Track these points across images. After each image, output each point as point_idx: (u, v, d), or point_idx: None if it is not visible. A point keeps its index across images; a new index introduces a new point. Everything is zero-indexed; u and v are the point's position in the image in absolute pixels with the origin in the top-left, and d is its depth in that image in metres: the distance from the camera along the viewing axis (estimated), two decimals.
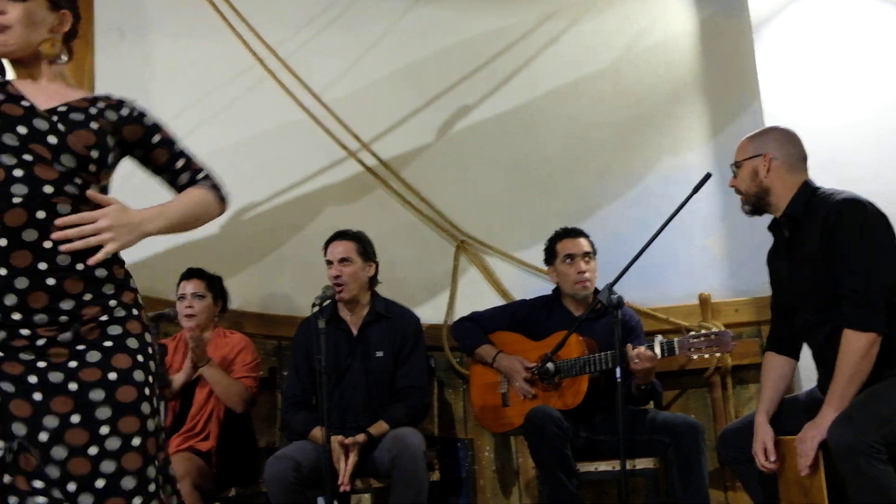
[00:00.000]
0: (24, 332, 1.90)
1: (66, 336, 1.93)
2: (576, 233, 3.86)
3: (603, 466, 3.59)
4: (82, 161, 1.97)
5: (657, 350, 3.47)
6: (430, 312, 4.29)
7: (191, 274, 3.90)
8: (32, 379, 1.89)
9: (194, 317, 3.81)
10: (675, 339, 3.48)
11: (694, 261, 4.25)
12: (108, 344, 1.96)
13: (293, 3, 4.63)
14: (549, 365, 3.65)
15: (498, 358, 3.81)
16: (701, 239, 4.27)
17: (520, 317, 3.93)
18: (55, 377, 1.90)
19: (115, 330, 1.98)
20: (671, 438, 3.54)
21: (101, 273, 1.98)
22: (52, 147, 1.95)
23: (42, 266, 1.90)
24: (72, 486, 1.86)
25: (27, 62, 2.09)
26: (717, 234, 4.27)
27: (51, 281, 1.91)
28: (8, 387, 1.87)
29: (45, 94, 2.05)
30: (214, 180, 2.23)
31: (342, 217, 4.29)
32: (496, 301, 4.30)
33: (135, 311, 2.04)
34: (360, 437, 3.54)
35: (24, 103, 2.00)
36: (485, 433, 4.22)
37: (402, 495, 3.41)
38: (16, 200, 1.88)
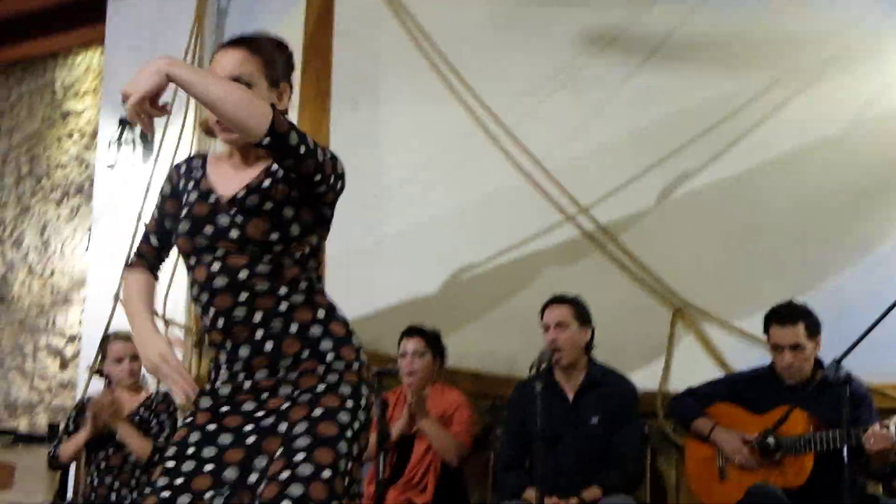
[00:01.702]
0: (248, 385, 2.05)
1: (287, 390, 2.04)
2: (787, 319, 3.62)
3: None
4: (265, 245, 2.05)
5: (893, 428, 3.25)
6: (645, 379, 4.22)
7: (412, 332, 4.03)
8: (248, 427, 2.01)
9: (415, 374, 3.93)
10: None
11: None
12: (321, 388, 2.02)
13: (518, 71, 4.76)
14: (770, 440, 3.50)
15: (715, 431, 3.70)
16: None
17: (737, 389, 3.81)
18: (268, 422, 2.00)
19: (332, 378, 2.04)
20: None
21: (316, 331, 2.07)
22: (236, 240, 2.04)
23: (258, 335, 2.04)
24: None
25: (244, 145, 2.14)
26: None
27: (268, 346, 2.04)
28: (225, 439, 2.00)
29: (239, 174, 2.14)
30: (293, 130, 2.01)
31: (559, 281, 4.32)
32: (712, 369, 4.19)
33: (354, 366, 2.07)
34: (574, 501, 3.51)
35: (210, 199, 2.12)
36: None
37: None
38: (218, 288, 2.04)
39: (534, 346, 3.75)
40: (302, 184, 2.06)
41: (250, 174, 2.13)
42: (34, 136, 6.84)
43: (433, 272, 4.75)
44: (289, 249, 2.07)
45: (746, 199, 4.38)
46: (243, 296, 2.04)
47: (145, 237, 2.30)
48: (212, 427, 2.02)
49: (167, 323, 5.02)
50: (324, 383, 2.03)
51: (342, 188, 2.15)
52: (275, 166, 2.09)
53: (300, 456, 1.91)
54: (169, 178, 2.28)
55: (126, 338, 4.25)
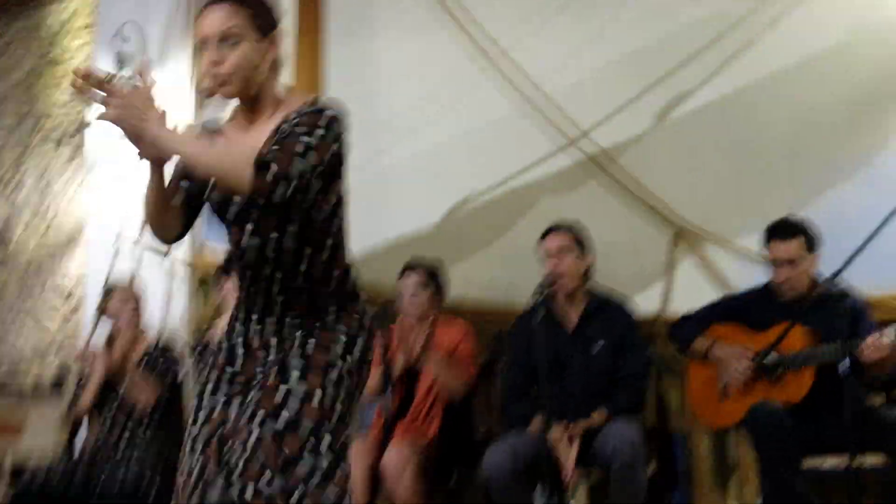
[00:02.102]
0: (256, 342, 2.17)
1: (297, 332, 2.14)
2: (786, 233, 3.61)
3: (831, 462, 3.44)
4: (291, 204, 2.03)
5: (890, 337, 3.26)
6: (646, 303, 4.25)
7: (411, 267, 4.03)
8: (257, 374, 2.13)
9: (415, 308, 3.94)
10: None
11: None
12: (318, 325, 2.14)
13: None
14: (771, 357, 3.53)
15: (714, 347, 3.72)
16: None
17: (735, 309, 3.80)
18: (273, 356, 2.14)
19: (330, 318, 2.16)
20: None
21: (322, 292, 2.16)
22: (263, 205, 2.04)
23: (275, 290, 2.14)
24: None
25: (246, 99, 2.15)
26: None
27: (280, 299, 2.15)
28: (234, 388, 2.15)
29: (251, 137, 2.12)
30: (270, 164, 1.95)
31: (559, 208, 4.33)
32: (714, 290, 4.21)
33: (352, 314, 2.19)
34: (582, 426, 3.56)
35: None
36: (700, 426, 4.13)
37: (622, 487, 3.42)
38: (250, 248, 2.12)
39: (535, 274, 3.77)
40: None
41: (262, 136, 2.10)
42: (31, 74, 6.79)
43: (434, 203, 4.74)
44: (314, 205, 2.09)
45: (744, 116, 4.36)
46: (271, 255, 2.10)
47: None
48: (226, 375, 2.15)
49: (170, 261, 5.05)
50: (324, 327, 2.14)
51: (346, 147, 2.12)
52: (284, 125, 2.07)
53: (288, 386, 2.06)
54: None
55: (128, 283, 4.32)
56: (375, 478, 3.78)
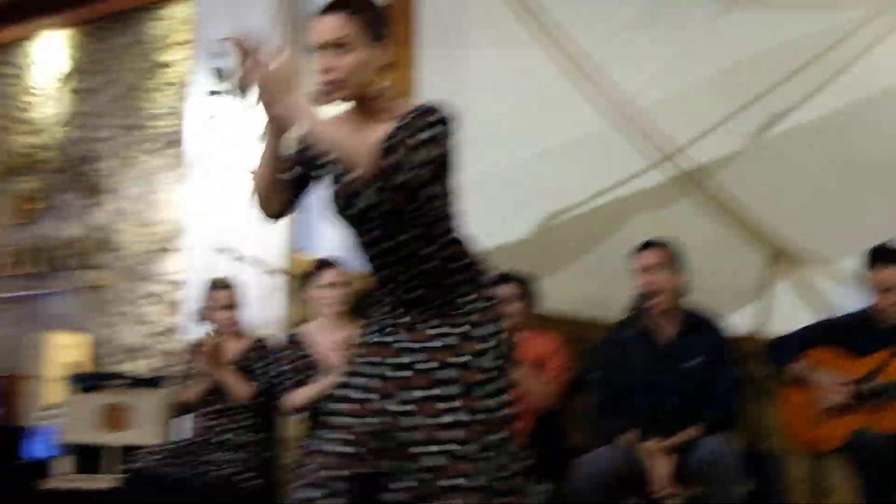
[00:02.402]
0: (400, 324, 2.26)
1: (435, 322, 2.24)
2: (891, 257, 3.58)
3: None
4: (413, 199, 2.15)
5: None
6: (741, 322, 4.18)
7: (505, 278, 4.05)
8: (405, 360, 2.22)
9: (509, 319, 3.95)
10: None
11: None
12: (465, 330, 2.22)
13: (604, 12, 4.69)
14: (872, 384, 3.46)
15: (812, 372, 3.67)
16: None
17: (835, 333, 3.75)
18: (421, 358, 2.21)
19: (473, 318, 2.24)
20: None
21: (451, 279, 2.25)
22: (387, 207, 2.18)
23: (411, 284, 2.24)
24: (420, 448, 2.14)
25: (357, 102, 2.25)
26: None
27: (416, 294, 2.25)
28: (385, 370, 2.23)
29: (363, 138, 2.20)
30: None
31: (651, 224, 4.30)
32: (811, 312, 4.12)
33: (486, 304, 2.29)
34: (676, 439, 3.53)
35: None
36: (796, 449, 4.05)
37: None
38: (379, 245, 2.23)
39: (626, 290, 3.76)
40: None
41: (376, 133, 2.18)
42: (133, 87, 6.99)
43: (523, 217, 4.75)
44: (433, 198, 2.19)
45: (847, 135, 4.27)
46: (403, 251, 2.20)
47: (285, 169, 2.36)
48: (376, 359, 2.25)
49: (266, 269, 5.15)
50: (461, 329, 2.22)
51: (450, 133, 2.22)
52: (391, 137, 2.15)
53: (456, 403, 2.15)
54: (299, 141, 2.36)
55: (226, 286, 4.41)
56: None
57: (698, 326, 3.78)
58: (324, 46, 2.15)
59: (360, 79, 2.18)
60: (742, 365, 4.00)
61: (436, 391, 2.15)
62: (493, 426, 2.15)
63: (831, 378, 3.61)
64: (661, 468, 3.48)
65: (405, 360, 2.21)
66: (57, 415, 5.14)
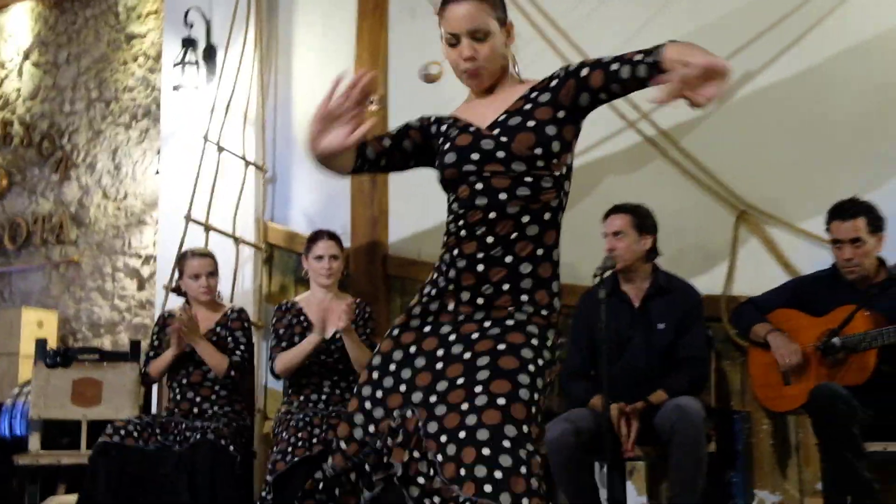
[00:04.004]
0: (451, 307, 2.23)
1: (480, 315, 2.20)
2: (848, 213, 3.60)
3: (893, 447, 3.43)
4: (530, 161, 2.19)
5: None
6: (709, 283, 4.22)
7: None
8: (440, 352, 2.18)
9: None
10: None
11: None
12: (509, 323, 2.17)
13: None
14: (835, 340, 3.52)
15: (770, 335, 3.73)
16: None
17: (800, 293, 3.81)
18: (457, 349, 2.16)
19: (520, 317, 2.18)
20: None
21: (525, 269, 2.20)
22: (502, 160, 2.20)
23: (480, 255, 2.19)
24: (443, 438, 2.05)
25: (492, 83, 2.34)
26: None
27: (480, 267, 2.19)
28: (419, 362, 2.19)
29: (492, 108, 2.29)
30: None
31: (621, 188, 4.33)
32: (777, 272, 4.17)
33: (543, 312, 2.20)
34: (640, 404, 3.60)
35: (471, 130, 2.27)
36: (761, 407, 4.12)
37: (682, 464, 3.45)
38: (478, 204, 2.20)
39: (599, 254, 3.82)
40: (591, 102, 2.25)
41: (506, 104, 2.27)
42: (101, 60, 6.95)
43: None
44: (549, 167, 2.21)
45: (811, 96, 4.28)
46: (492, 215, 2.19)
47: (380, 136, 2.40)
48: (413, 349, 2.21)
49: (237, 240, 5.18)
50: (512, 319, 2.17)
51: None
52: (534, 93, 2.25)
53: (479, 388, 2.05)
54: (420, 118, 2.44)
55: (202, 254, 4.40)
56: None
57: (668, 290, 3.84)
58: (460, 35, 2.25)
59: (497, 63, 2.29)
60: (710, 328, 4.07)
61: (461, 379, 2.10)
62: (515, 416, 2.03)
63: (786, 339, 3.67)
64: (628, 430, 3.55)
65: (440, 353, 2.18)
66: (27, 392, 5.18)
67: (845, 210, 3.62)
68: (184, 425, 4.04)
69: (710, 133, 4.41)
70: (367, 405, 2.18)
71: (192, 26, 5.56)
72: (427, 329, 2.22)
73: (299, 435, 3.81)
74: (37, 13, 7.32)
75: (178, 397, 4.24)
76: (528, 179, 2.18)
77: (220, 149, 5.24)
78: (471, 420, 2.00)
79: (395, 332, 2.26)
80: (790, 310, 3.78)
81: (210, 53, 5.56)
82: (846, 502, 3.43)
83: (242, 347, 4.25)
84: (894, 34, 4.18)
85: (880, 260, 3.65)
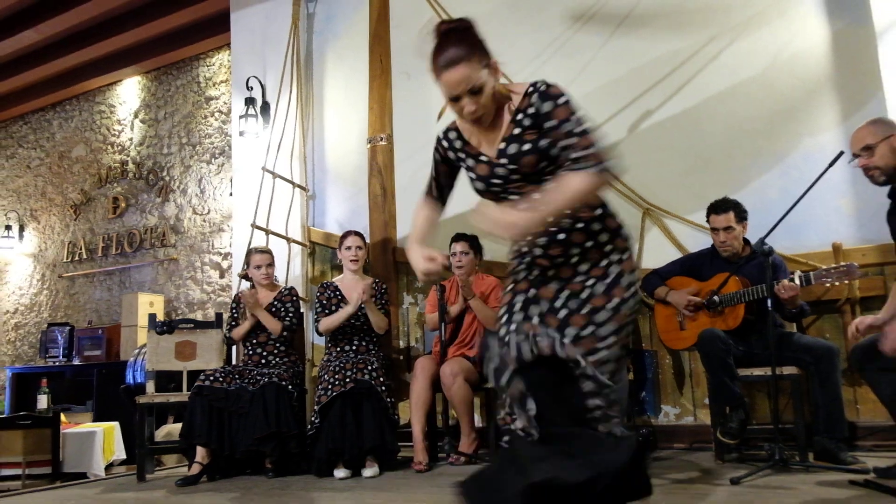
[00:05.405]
0: (551, 272, 1.97)
1: (584, 267, 1.94)
2: (721, 208, 3.59)
3: (757, 372, 3.43)
4: (541, 171, 1.92)
5: (797, 281, 3.25)
6: None
7: (458, 238, 4.06)
8: (560, 295, 1.94)
9: (462, 267, 3.98)
10: (811, 272, 3.26)
11: (829, 218, 3.92)
12: (599, 273, 1.93)
13: (524, 42, 4.67)
14: (716, 298, 3.53)
15: (669, 294, 3.72)
16: (835, 200, 3.92)
17: (689, 265, 3.81)
18: (562, 295, 1.94)
19: (605, 262, 1.93)
20: (813, 358, 3.33)
21: (596, 227, 1.94)
22: (519, 179, 1.93)
23: (553, 230, 1.94)
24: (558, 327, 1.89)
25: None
26: (847, 197, 3.90)
27: (561, 236, 1.94)
28: (543, 305, 1.95)
29: (493, 134, 1.98)
30: (596, 159, 1.82)
31: None
32: (673, 251, 4.17)
33: (625, 255, 1.95)
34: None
35: (483, 160, 1.98)
36: (664, 347, 4.13)
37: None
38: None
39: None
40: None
41: (501, 129, 1.96)
42: (188, 116, 6.91)
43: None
44: (559, 166, 1.89)
45: (693, 127, 4.30)
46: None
47: (432, 181, 2.16)
48: (532, 293, 1.96)
49: (288, 240, 5.16)
50: (599, 268, 1.93)
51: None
52: (518, 115, 1.93)
53: (586, 307, 1.89)
54: (436, 150, 2.13)
55: (263, 251, 4.35)
56: (436, 383, 3.87)
57: None
58: (460, 94, 1.89)
59: (494, 102, 1.93)
60: None
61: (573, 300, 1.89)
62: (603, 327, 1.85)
63: (681, 295, 3.67)
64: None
65: (560, 295, 1.93)
66: (144, 351, 5.15)
67: (719, 206, 3.63)
68: (255, 372, 4.01)
69: (623, 153, 4.39)
70: (503, 332, 1.92)
71: (251, 89, 5.54)
72: (539, 281, 1.97)
73: (336, 376, 3.80)
74: (142, 84, 7.28)
75: (251, 352, 4.21)
76: (548, 177, 1.91)
77: (275, 176, 5.21)
78: (559, 349, 1.84)
79: (511, 286, 2.00)
80: (683, 277, 3.78)
81: (265, 108, 5.53)
82: (725, 411, 3.44)
83: (291, 314, 4.22)
84: (745, 85, 4.19)
85: (745, 240, 3.66)
